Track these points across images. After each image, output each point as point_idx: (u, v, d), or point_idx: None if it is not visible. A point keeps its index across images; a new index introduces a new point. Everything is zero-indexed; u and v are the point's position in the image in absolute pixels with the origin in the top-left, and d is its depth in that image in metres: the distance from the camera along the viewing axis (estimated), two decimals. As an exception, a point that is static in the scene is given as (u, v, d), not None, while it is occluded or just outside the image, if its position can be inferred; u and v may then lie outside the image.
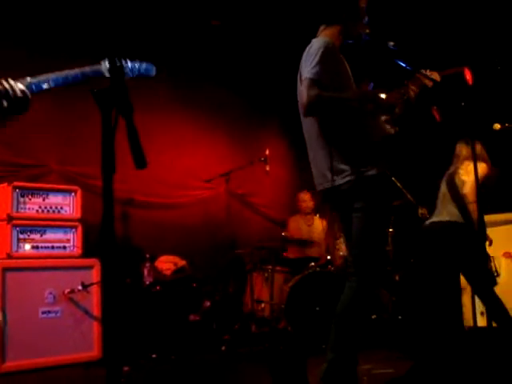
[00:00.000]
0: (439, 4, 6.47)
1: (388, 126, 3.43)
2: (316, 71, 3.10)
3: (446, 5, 6.45)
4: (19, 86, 2.03)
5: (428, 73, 3.49)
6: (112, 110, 1.61)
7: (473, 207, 4.96)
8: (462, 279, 5.14)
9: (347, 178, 3.20)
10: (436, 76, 3.52)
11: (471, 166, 4.92)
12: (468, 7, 6.41)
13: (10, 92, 2.00)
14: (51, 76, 2.11)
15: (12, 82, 2.04)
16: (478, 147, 5.00)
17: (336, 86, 3.19)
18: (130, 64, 2.15)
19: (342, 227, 3.56)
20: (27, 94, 2.03)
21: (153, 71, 2.25)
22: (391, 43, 3.29)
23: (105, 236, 1.58)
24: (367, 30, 3.42)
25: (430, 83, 3.48)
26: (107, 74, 2.10)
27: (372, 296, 3.39)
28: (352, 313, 3.22)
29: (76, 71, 2.15)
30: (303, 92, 3.12)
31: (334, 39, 3.32)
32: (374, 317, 5.88)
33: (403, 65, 3.25)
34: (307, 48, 3.31)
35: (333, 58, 3.23)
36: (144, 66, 2.25)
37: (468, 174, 5.04)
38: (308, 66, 3.15)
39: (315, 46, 3.24)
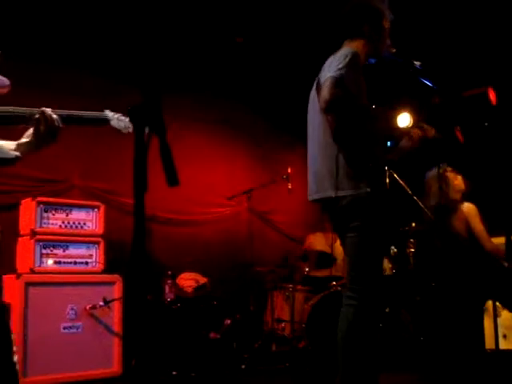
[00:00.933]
0: (463, 24, 6.46)
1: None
2: (342, 73, 3.03)
3: (470, 25, 6.44)
4: (54, 116, 2.08)
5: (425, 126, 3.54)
6: (145, 127, 1.62)
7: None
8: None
9: (349, 193, 3.16)
10: (431, 132, 3.56)
11: None
12: (492, 27, 6.39)
13: (49, 120, 2.04)
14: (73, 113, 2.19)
15: (49, 111, 2.09)
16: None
17: (355, 95, 3.12)
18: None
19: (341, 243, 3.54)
20: (59, 123, 2.07)
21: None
22: (417, 63, 3.29)
23: (136, 254, 1.58)
24: (393, 50, 3.42)
25: (430, 134, 3.52)
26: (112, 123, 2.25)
27: (376, 318, 3.32)
28: (355, 338, 3.16)
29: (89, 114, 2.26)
30: (325, 90, 3.03)
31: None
32: (394, 338, 5.83)
33: (430, 84, 3.24)
34: (330, 58, 3.27)
35: (357, 67, 3.17)
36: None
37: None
38: (334, 68, 3.08)
39: (343, 52, 3.20)
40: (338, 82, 3.00)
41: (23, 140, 2.19)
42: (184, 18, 6.30)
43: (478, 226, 5.10)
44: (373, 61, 3.42)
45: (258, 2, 6.18)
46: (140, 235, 1.58)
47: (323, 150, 3.28)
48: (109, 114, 2.38)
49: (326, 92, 3.01)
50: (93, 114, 2.33)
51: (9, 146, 2.21)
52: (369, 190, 3.11)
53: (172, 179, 1.64)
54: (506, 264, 4.93)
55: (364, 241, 3.23)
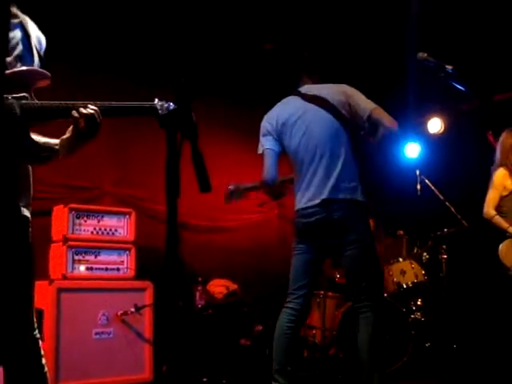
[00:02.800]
0: (494, 27, 6.38)
1: None
2: None
3: (503, 27, 6.36)
4: (93, 110, 2.04)
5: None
6: (177, 133, 1.61)
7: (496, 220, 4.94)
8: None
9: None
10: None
11: None
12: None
13: (88, 114, 2.01)
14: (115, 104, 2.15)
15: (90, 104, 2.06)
16: None
17: None
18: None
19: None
20: (100, 116, 2.04)
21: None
22: (449, 67, 3.25)
23: (169, 260, 1.58)
24: (424, 54, 3.39)
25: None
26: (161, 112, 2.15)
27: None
28: (378, 344, 3.40)
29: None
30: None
31: None
32: (427, 345, 5.77)
33: (462, 88, 3.20)
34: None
35: None
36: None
37: None
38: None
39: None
40: None
41: (64, 136, 2.17)
42: (216, 25, 6.32)
43: (490, 190, 5.09)
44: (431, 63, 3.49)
45: (288, 9, 6.18)
46: (173, 241, 1.58)
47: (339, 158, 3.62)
48: (158, 102, 2.17)
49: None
50: (137, 104, 2.21)
51: (50, 143, 2.20)
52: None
53: (204, 185, 1.64)
54: None
55: (370, 253, 3.56)
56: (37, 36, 2.30)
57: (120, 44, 5.94)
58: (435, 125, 7.24)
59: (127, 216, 5.18)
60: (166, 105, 2.07)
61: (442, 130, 7.19)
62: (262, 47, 6.74)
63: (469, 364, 5.46)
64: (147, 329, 4.97)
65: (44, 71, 2.14)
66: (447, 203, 5.93)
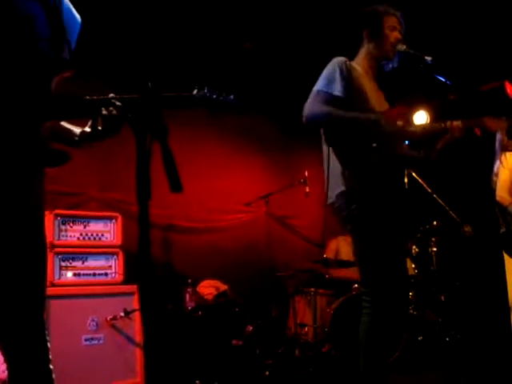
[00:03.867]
0: (479, 18, 6.38)
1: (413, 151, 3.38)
2: (318, 88, 3.21)
3: (486, 18, 6.37)
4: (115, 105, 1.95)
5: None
6: (147, 134, 1.59)
7: None
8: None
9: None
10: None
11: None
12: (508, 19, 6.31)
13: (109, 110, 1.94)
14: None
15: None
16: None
17: (347, 103, 3.18)
18: (209, 93, 2.09)
19: None
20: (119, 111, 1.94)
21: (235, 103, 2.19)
22: (429, 58, 3.23)
23: (141, 263, 1.56)
24: (403, 47, 3.38)
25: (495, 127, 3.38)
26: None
27: (398, 317, 3.23)
28: (375, 340, 3.14)
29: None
30: (306, 105, 3.18)
31: (361, 60, 3.41)
32: (420, 338, 5.76)
33: (443, 79, 3.18)
34: None
35: (340, 75, 3.23)
36: (225, 96, 2.18)
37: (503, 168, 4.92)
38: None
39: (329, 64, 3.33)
40: (318, 95, 3.19)
41: (86, 129, 2.12)
42: (196, 26, 6.30)
43: (501, 173, 4.93)
44: (392, 65, 3.42)
45: (267, 7, 6.16)
46: (145, 244, 1.55)
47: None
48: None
49: (305, 107, 3.18)
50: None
51: (72, 132, 2.16)
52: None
53: (175, 185, 1.61)
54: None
55: (362, 242, 3.27)
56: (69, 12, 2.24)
57: (91, 45, 5.86)
58: (421, 117, 7.23)
59: (113, 220, 5.15)
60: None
61: (429, 121, 7.18)
62: (242, 46, 6.73)
63: (462, 357, 5.46)
64: (138, 333, 4.92)
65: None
66: (435, 196, 5.92)
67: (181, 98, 1.97)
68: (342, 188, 3.24)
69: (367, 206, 3.18)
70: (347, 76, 3.21)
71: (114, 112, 1.93)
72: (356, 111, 3.17)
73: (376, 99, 3.36)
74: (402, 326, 3.34)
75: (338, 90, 3.16)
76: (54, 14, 2.06)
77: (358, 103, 3.21)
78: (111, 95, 1.95)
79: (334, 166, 3.29)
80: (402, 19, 3.44)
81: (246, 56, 6.89)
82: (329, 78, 3.21)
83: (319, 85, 3.23)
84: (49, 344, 2.20)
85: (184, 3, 5.97)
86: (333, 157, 3.29)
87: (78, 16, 2.26)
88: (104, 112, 1.94)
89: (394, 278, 3.18)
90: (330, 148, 3.31)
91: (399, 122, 3.16)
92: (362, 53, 3.44)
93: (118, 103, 1.91)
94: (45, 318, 2.17)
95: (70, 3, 2.22)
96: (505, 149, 4.93)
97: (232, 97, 2.10)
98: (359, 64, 3.41)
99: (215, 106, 2.05)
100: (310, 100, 3.21)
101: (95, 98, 1.98)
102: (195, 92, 2.03)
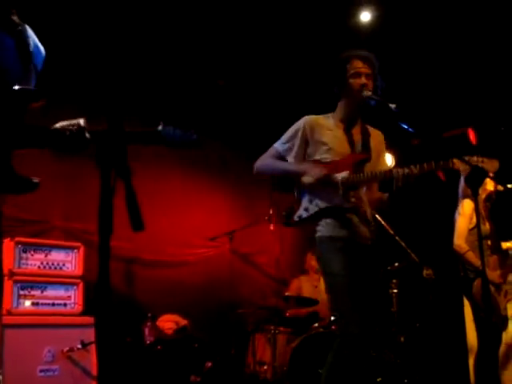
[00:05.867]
0: (444, 66, 6.55)
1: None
2: (275, 145, 3.64)
3: (451, 66, 6.54)
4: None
5: (485, 160, 3.42)
6: (111, 171, 1.60)
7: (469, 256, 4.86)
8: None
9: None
10: (492, 165, 3.48)
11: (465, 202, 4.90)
12: (474, 68, 6.49)
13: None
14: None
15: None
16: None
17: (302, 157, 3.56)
18: (172, 130, 2.11)
19: None
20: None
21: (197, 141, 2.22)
22: (393, 105, 3.31)
23: (100, 295, 1.56)
24: (368, 93, 3.46)
25: (464, 170, 3.43)
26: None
27: (361, 358, 3.28)
28: (331, 377, 3.22)
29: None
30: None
31: (337, 112, 3.64)
32: (379, 380, 5.76)
33: (405, 127, 3.26)
34: None
35: (293, 136, 3.58)
36: (188, 134, 2.20)
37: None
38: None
39: None
40: (269, 150, 3.67)
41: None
42: (165, 60, 6.37)
43: (460, 220, 5.01)
44: (375, 101, 3.50)
45: (241, 45, 6.26)
46: (104, 278, 1.56)
47: None
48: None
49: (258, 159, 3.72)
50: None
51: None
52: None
53: (137, 224, 1.63)
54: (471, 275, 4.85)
55: (325, 279, 3.50)
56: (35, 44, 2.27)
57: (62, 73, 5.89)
58: (387, 160, 7.33)
59: (75, 250, 5.11)
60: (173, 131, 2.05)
61: (394, 164, 7.29)
62: (215, 83, 6.80)
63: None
64: (94, 366, 4.86)
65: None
66: (397, 238, 5.98)
67: (146, 135, 1.99)
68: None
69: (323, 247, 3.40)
70: (307, 135, 3.53)
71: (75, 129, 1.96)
72: (293, 163, 3.54)
73: (344, 148, 3.55)
74: (364, 367, 3.38)
75: (291, 154, 3.54)
76: (22, 44, 2.10)
77: (313, 155, 3.52)
78: (82, 122, 1.98)
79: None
80: (369, 57, 3.57)
81: (218, 92, 6.98)
82: (287, 140, 3.58)
83: (278, 142, 3.62)
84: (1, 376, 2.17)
85: (159, 38, 6.04)
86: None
87: (42, 48, 2.30)
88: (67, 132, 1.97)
89: (354, 310, 3.26)
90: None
91: (345, 172, 3.41)
92: (338, 105, 3.65)
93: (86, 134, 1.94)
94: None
95: (34, 36, 2.27)
96: (464, 196, 5.03)
97: (194, 136, 2.14)
98: (335, 116, 3.64)
99: (178, 144, 2.08)
100: (264, 154, 3.66)
101: (64, 124, 2.00)
102: (160, 128, 2.05)
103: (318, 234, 3.43)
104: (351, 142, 3.57)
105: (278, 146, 3.61)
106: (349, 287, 3.29)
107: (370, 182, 3.56)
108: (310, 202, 3.47)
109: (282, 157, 3.58)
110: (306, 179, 3.42)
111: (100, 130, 1.73)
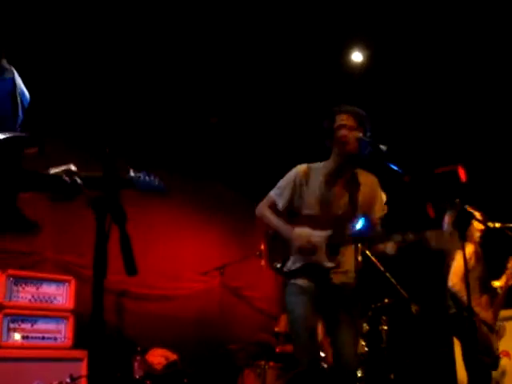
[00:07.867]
0: (434, 104, 6.65)
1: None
2: (270, 193, 3.81)
3: (440, 105, 6.64)
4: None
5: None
6: (106, 216, 1.64)
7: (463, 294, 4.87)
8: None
9: None
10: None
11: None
12: (463, 107, 6.59)
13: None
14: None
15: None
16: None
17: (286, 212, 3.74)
18: (143, 177, 2.19)
19: None
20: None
21: (164, 190, 2.31)
22: (383, 147, 3.36)
23: (94, 334, 1.59)
24: (360, 134, 3.53)
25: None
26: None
27: None
28: None
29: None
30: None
31: (330, 162, 3.74)
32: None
33: (396, 168, 3.31)
34: None
35: (288, 184, 3.74)
36: (156, 182, 2.28)
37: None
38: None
39: None
40: (266, 198, 3.83)
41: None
42: (155, 99, 6.45)
43: (457, 259, 4.98)
44: (367, 151, 3.58)
45: (233, 84, 6.36)
46: (99, 318, 1.59)
47: None
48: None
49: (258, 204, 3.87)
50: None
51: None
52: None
53: (130, 268, 1.67)
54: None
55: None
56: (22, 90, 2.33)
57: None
58: (382, 202, 7.38)
59: (66, 284, 5.12)
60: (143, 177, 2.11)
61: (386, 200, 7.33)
62: (207, 121, 6.88)
63: None
64: (83, 400, 4.84)
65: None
66: (387, 274, 6.00)
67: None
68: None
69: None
70: (297, 189, 3.69)
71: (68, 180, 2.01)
72: (283, 222, 3.71)
73: (329, 204, 3.69)
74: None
75: (281, 203, 3.72)
76: (13, 91, 2.17)
77: (301, 209, 3.70)
78: (72, 167, 2.04)
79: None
80: (352, 111, 3.68)
81: (211, 129, 7.06)
82: (282, 188, 3.75)
83: (274, 189, 3.81)
84: None
85: (151, 76, 6.13)
86: None
87: (27, 93, 2.38)
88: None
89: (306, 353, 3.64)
90: None
91: (327, 232, 3.59)
92: (331, 155, 3.75)
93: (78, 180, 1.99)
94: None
95: (21, 81, 2.34)
96: (468, 239, 5.08)
97: (162, 184, 2.21)
98: (326, 166, 3.74)
99: (146, 191, 2.16)
100: (264, 200, 3.83)
101: (58, 171, 2.05)
102: (132, 174, 2.12)
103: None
104: (338, 198, 3.68)
105: (273, 194, 3.81)
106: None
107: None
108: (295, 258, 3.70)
109: (276, 204, 3.78)
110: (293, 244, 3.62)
111: (95, 175, 1.78)
